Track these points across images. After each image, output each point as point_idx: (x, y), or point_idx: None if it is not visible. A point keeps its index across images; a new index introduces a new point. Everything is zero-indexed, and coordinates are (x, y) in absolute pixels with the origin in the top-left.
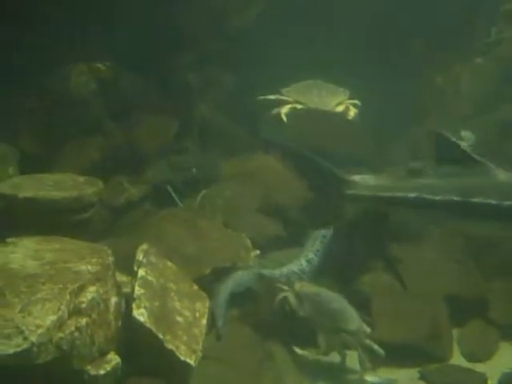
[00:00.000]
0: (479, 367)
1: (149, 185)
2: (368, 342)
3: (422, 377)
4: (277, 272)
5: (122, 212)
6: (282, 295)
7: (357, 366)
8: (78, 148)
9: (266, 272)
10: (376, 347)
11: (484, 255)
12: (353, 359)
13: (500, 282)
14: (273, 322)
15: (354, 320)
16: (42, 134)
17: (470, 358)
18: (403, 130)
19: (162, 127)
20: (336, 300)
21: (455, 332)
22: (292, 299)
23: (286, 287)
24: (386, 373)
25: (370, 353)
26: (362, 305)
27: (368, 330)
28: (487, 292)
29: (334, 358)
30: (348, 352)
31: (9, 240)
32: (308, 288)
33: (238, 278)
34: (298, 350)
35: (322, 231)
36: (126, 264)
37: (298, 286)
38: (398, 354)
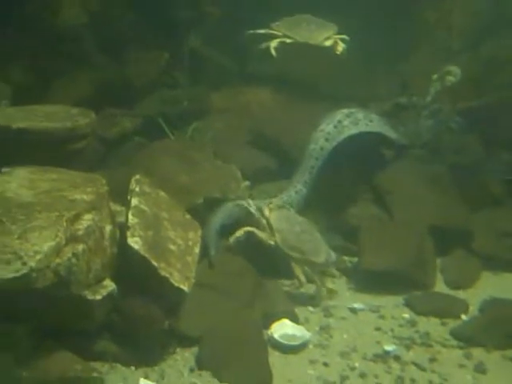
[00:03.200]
0: (461, 295)
1: (140, 117)
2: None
3: (407, 303)
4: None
5: (114, 144)
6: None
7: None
8: (69, 82)
9: (252, 203)
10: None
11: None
12: (341, 288)
13: (483, 213)
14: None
15: (322, 251)
16: (34, 69)
17: (453, 285)
18: (392, 66)
19: (152, 61)
20: (305, 230)
21: (439, 261)
22: (259, 232)
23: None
24: (371, 299)
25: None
26: (349, 236)
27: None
28: (471, 223)
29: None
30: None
31: (2, 170)
32: (278, 214)
33: (228, 210)
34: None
35: (311, 163)
36: (120, 194)
37: (267, 212)
38: (383, 282)
